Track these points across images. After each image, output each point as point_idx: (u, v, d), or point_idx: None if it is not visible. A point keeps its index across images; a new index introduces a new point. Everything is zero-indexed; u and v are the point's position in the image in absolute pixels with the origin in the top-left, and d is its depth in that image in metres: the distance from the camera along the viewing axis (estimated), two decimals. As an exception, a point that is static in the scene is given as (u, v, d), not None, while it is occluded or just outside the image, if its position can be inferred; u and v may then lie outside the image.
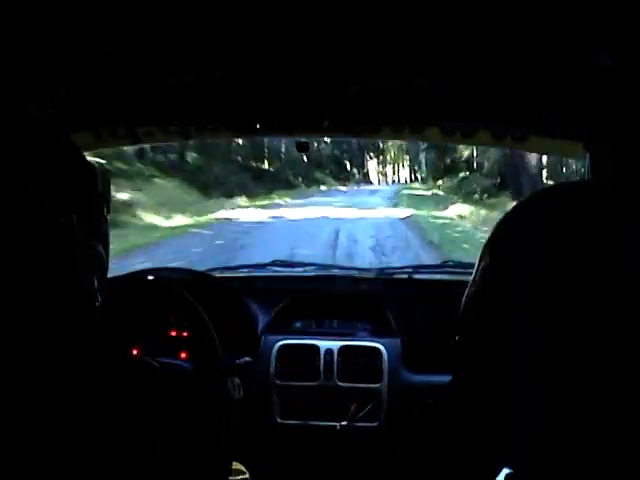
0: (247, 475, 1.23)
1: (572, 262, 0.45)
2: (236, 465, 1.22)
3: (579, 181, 0.57)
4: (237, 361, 1.66)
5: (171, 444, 0.75)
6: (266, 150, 22.75)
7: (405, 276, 2.12)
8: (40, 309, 0.60)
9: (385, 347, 1.79)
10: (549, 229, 0.47)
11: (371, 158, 39.69)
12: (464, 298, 0.55)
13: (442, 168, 23.96)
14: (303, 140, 1.64)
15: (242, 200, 16.81)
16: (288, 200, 18.49)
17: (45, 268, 0.60)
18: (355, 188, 28.52)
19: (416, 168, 35.59)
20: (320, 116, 1.31)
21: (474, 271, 0.54)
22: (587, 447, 0.44)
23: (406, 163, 38.88)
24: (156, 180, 14.90)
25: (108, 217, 0.74)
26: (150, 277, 1.78)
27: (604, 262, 0.44)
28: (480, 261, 0.53)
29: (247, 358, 1.73)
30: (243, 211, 14.37)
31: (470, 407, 0.61)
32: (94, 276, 0.66)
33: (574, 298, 0.44)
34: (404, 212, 14.29)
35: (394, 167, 41.75)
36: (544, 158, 12.67)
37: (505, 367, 0.48)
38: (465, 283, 0.55)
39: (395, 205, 17.59)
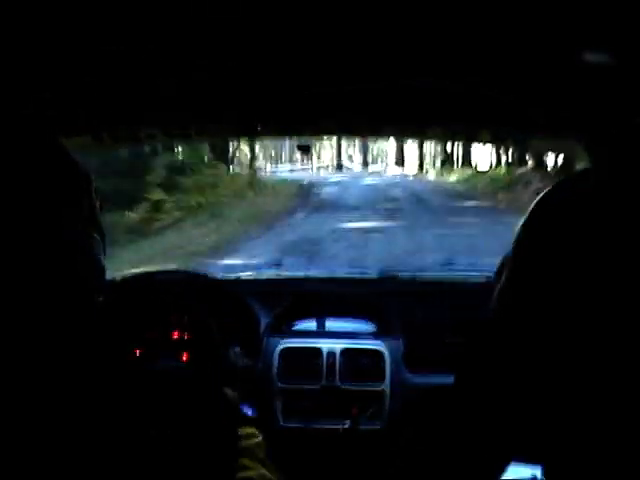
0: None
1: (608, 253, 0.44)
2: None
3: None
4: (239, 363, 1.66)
5: (171, 444, 0.75)
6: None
7: (407, 277, 2.12)
8: (40, 307, 0.60)
9: (387, 348, 1.78)
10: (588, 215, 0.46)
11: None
12: (496, 292, 0.53)
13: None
14: (304, 141, 1.65)
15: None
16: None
17: (44, 267, 0.60)
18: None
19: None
20: (320, 116, 1.32)
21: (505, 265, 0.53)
22: (618, 446, 0.43)
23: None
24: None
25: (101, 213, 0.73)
26: (153, 279, 1.78)
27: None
28: (517, 247, 0.51)
29: (249, 360, 1.73)
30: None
31: (475, 408, 0.60)
32: (94, 274, 0.66)
33: (607, 293, 0.43)
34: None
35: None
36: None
37: (536, 364, 0.47)
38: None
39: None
